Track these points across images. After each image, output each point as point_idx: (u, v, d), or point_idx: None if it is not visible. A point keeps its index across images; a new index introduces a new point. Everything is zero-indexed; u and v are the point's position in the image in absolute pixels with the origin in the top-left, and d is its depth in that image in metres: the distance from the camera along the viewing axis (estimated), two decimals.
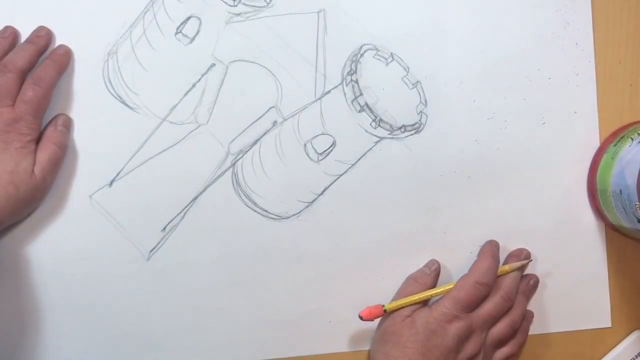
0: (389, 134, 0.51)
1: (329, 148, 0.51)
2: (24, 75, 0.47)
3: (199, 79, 0.50)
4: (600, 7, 0.52)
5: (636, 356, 0.52)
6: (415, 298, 0.49)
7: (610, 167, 0.49)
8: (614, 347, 0.52)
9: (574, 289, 0.52)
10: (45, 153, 0.47)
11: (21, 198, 0.46)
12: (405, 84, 0.51)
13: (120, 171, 0.50)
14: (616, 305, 0.53)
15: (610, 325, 0.53)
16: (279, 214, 0.51)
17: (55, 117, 0.49)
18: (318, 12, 0.51)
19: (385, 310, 0.49)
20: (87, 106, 0.49)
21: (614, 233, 0.52)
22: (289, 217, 0.51)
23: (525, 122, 0.52)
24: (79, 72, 0.49)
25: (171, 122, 0.50)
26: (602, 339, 0.53)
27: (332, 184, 0.51)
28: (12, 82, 0.46)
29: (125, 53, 0.50)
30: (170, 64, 0.50)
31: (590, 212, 0.52)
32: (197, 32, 0.50)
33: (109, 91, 0.50)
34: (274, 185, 0.51)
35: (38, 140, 0.48)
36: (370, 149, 0.51)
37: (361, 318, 0.49)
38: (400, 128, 0.51)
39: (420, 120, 0.51)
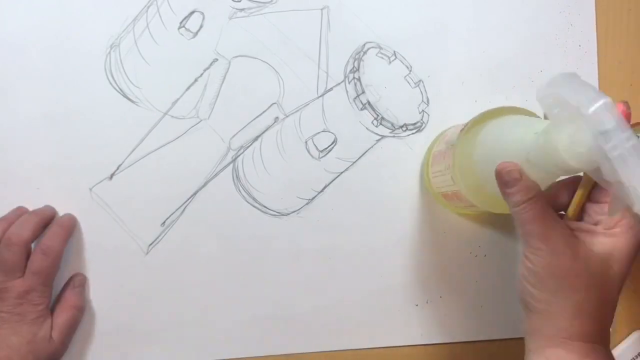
0: (390, 132, 0.51)
1: (330, 145, 0.51)
2: (29, 246, 0.46)
3: (201, 74, 0.50)
4: (600, 7, 0.52)
5: (636, 356, 0.52)
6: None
7: None
8: (614, 348, 0.52)
9: None
10: (63, 317, 0.47)
11: None
12: (408, 82, 0.51)
13: (121, 164, 0.50)
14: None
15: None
16: (279, 210, 0.51)
17: (71, 277, 0.49)
18: (322, 9, 0.51)
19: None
20: (89, 99, 0.49)
21: None
22: (288, 214, 0.51)
23: None
24: (81, 65, 0.49)
25: (172, 117, 0.50)
26: None
27: (332, 181, 0.51)
28: (18, 255, 0.45)
29: (127, 46, 0.50)
30: (173, 58, 0.50)
31: None
32: (201, 27, 0.50)
33: (111, 84, 0.49)
34: (274, 181, 0.51)
35: (54, 302, 0.48)
36: (372, 147, 0.51)
37: None
38: (401, 127, 0.51)
39: (422, 119, 0.51)
